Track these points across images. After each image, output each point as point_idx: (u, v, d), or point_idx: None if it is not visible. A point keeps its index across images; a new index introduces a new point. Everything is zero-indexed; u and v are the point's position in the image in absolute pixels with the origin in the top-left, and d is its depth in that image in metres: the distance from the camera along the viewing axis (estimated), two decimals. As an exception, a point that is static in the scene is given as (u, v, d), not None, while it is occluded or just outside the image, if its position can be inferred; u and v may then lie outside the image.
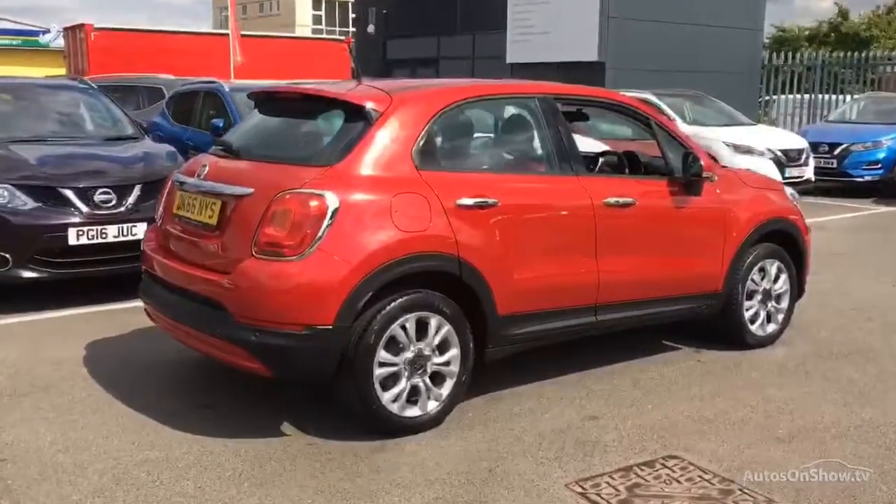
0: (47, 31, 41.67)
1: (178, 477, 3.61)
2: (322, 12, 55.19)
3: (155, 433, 4.05)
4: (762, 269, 5.52)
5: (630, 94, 14.05)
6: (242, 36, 20.24)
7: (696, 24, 17.91)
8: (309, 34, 47.98)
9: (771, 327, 5.64)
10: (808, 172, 13.06)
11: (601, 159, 5.62)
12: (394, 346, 3.97)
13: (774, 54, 20.79)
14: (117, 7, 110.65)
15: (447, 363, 4.16)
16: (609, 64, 16.81)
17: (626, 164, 5.46)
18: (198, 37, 29.71)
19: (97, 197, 6.21)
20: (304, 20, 54.99)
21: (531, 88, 4.72)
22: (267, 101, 4.82)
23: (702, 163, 4.89)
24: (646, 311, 4.99)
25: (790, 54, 20.65)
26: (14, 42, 43.27)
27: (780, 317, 5.68)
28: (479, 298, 4.18)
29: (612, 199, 4.66)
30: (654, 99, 13.54)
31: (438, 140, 4.25)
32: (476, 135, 4.74)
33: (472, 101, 4.43)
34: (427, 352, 4.07)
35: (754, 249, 5.44)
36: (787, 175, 12.57)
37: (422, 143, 4.13)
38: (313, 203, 3.79)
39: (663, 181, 5.03)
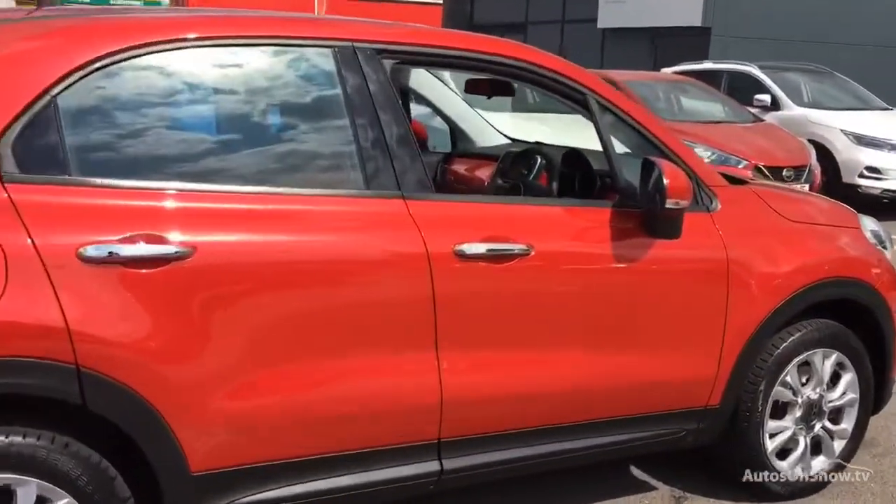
0: (168, -7, 41.90)
1: None
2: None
3: None
4: (806, 365, 3.14)
5: (723, 66, 11.53)
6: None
7: (831, -16, 14.76)
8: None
9: (818, 463, 3.25)
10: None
11: (538, 162, 3.35)
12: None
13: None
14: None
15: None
16: (716, 31, 13.98)
17: (555, 174, 3.16)
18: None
19: None
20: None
21: (321, 30, 2.51)
22: None
23: (667, 181, 2.55)
24: (558, 446, 2.74)
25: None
26: (136, 2, 43.98)
27: (838, 445, 3.28)
28: (138, 443, 2.10)
29: (471, 247, 2.43)
30: (756, 72, 10.93)
31: (75, 123, 2.12)
32: (178, 115, 2.42)
33: (171, 46, 2.22)
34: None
35: (792, 332, 3.07)
36: (927, 179, 9.65)
37: (26, 128, 2.04)
38: None
39: (604, 211, 2.73)
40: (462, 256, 2.42)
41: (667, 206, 2.56)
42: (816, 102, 10.79)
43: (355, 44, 2.45)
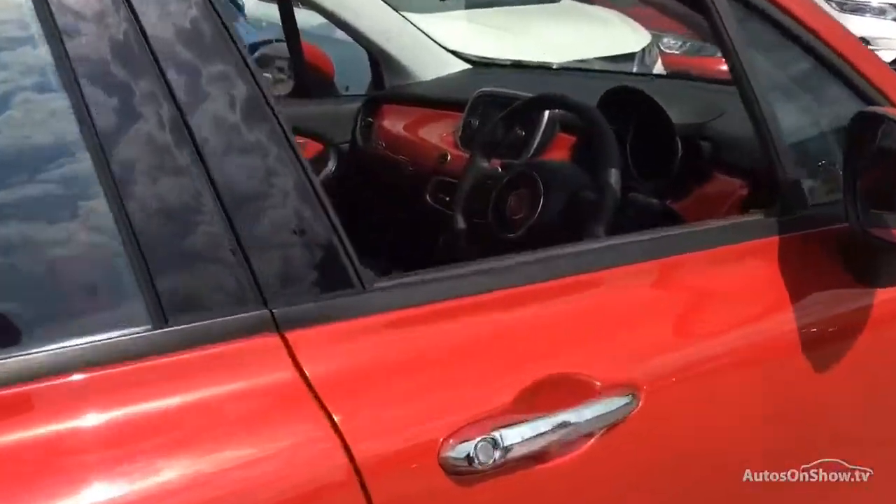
0: None
1: None
2: None
3: None
4: None
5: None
6: None
7: None
8: None
9: None
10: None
11: (545, 119, 1.73)
12: None
13: None
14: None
15: None
16: None
17: (605, 143, 1.52)
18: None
19: None
20: None
21: None
22: None
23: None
24: None
25: None
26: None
27: None
28: None
29: (487, 444, 0.84)
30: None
31: None
32: None
33: None
34: None
35: None
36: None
37: None
38: None
39: (765, 246, 1.15)
40: (459, 468, 0.84)
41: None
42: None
43: None
